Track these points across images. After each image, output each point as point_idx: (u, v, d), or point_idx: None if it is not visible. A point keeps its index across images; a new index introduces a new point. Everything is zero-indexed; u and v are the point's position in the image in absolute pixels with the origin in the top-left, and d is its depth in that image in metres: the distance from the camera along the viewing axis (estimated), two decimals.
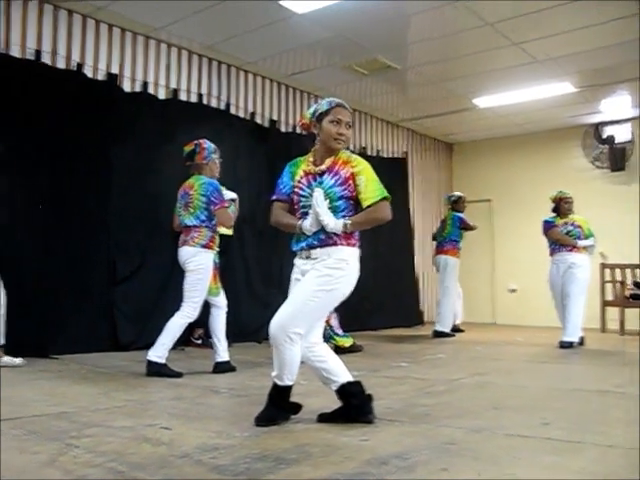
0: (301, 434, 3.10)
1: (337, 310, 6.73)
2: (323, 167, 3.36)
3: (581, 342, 7.58)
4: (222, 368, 5.34)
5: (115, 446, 2.78)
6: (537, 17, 6.96)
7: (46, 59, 6.67)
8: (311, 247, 3.29)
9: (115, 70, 7.30)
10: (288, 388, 3.32)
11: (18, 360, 5.38)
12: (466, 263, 10.03)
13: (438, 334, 8.82)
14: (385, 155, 11.29)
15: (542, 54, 8.08)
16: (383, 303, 10.23)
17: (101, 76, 7.17)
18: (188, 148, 5.39)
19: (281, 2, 6.67)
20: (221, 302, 5.49)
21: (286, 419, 3.33)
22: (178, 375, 4.97)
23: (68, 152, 6.54)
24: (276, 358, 3.26)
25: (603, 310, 9.97)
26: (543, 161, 11.66)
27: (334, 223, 3.18)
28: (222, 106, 8.46)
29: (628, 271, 10.07)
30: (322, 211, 3.17)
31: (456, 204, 9.27)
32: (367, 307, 9.58)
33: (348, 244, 3.29)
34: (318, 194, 3.20)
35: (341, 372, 3.34)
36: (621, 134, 11.03)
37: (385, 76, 9.08)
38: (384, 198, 3.29)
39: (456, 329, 9.37)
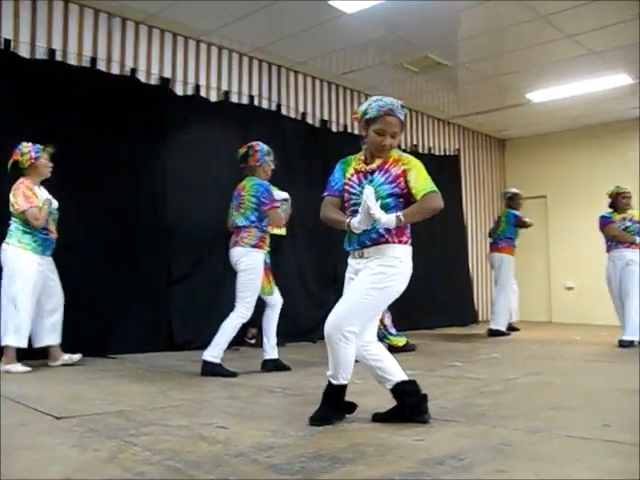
0: (356, 433, 3.10)
1: (390, 309, 6.72)
2: (374, 166, 3.36)
3: None
4: (270, 366, 5.40)
5: (172, 444, 2.82)
6: (591, 8, 6.82)
7: (101, 66, 6.82)
8: (363, 246, 3.29)
9: (168, 74, 7.42)
10: (343, 387, 3.32)
11: (76, 356, 5.52)
12: (521, 261, 9.90)
13: (493, 333, 8.72)
14: (437, 153, 11.21)
15: (597, 46, 7.91)
16: (437, 302, 10.16)
17: (154, 80, 7.30)
18: (242, 150, 5.48)
19: (330, 2, 6.68)
20: (275, 300, 5.55)
21: (341, 418, 3.34)
22: (233, 375, 5.02)
23: (123, 155, 6.67)
24: (331, 357, 3.27)
25: None
26: (599, 155, 11.39)
27: (386, 217, 3.17)
28: (273, 107, 8.52)
29: None
30: (373, 206, 3.15)
31: (511, 201, 9.14)
32: (421, 306, 9.52)
33: (400, 242, 3.28)
34: (369, 191, 3.19)
35: (396, 371, 3.33)
36: None
37: (436, 73, 9.02)
38: (434, 191, 3.27)
39: (511, 328, 9.24)
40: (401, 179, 3.29)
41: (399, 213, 3.19)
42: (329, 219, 3.50)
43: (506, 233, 8.89)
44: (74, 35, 6.67)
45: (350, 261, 3.42)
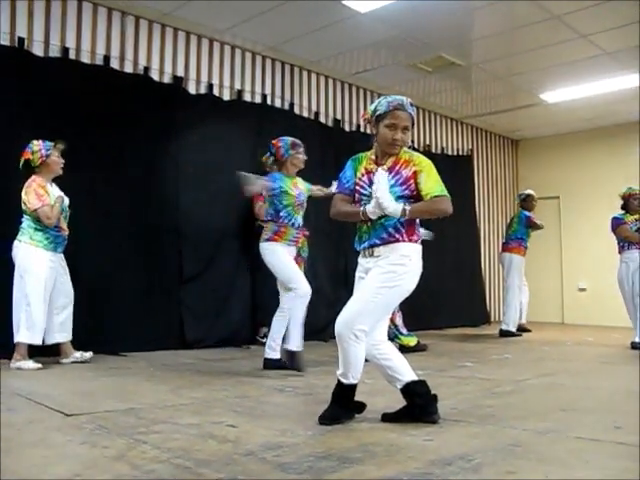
0: (365, 433, 3.10)
1: (401, 309, 6.71)
2: (385, 167, 3.35)
3: None
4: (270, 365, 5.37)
5: (181, 442, 2.83)
6: (605, 8, 6.77)
7: (114, 64, 6.85)
8: (373, 245, 3.29)
9: (181, 73, 7.44)
10: (353, 387, 3.32)
11: (88, 354, 5.55)
12: (534, 261, 9.87)
13: (504, 333, 8.70)
14: (450, 153, 11.18)
15: (611, 46, 7.86)
16: (448, 302, 10.14)
17: (167, 79, 7.32)
18: (265, 158, 5.56)
19: (344, 2, 6.68)
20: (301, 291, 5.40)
21: (350, 418, 3.33)
22: (298, 369, 5.14)
23: (135, 154, 6.69)
24: (341, 356, 3.28)
25: None
26: (612, 156, 11.30)
27: (394, 207, 3.17)
28: (286, 106, 8.52)
29: None
30: (382, 194, 3.15)
31: (525, 202, 9.13)
32: (432, 306, 9.49)
33: (410, 240, 3.28)
34: (381, 176, 3.19)
35: (406, 371, 3.32)
36: None
37: (449, 73, 8.99)
38: (445, 195, 3.26)
39: (522, 329, 9.21)
40: (412, 181, 3.28)
41: (407, 206, 3.20)
42: (343, 213, 3.50)
43: (517, 233, 8.88)
44: (87, 33, 6.70)
45: (360, 260, 3.42)
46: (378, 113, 3.35)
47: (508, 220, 9.75)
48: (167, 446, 2.76)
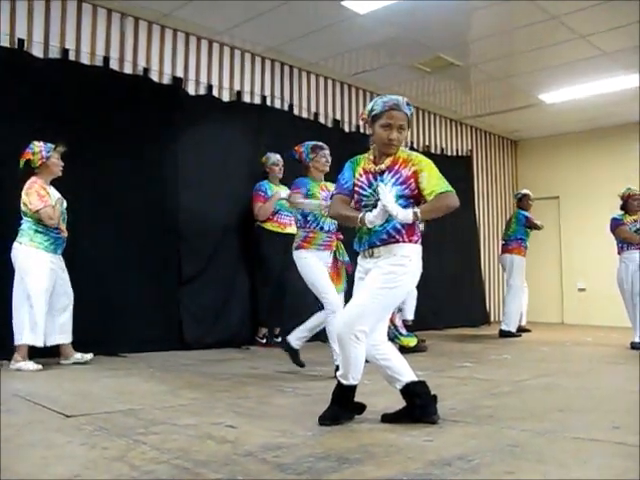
0: (364, 434, 3.10)
1: (401, 310, 6.72)
2: (383, 166, 3.36)
3: None
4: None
5: (181, 443, 2.83)
6: (604, 8, 6.78)
7: (114, 65, 6.85)
8: (373, 246, 3.29)
9: (180, 74, 7.44)
10: (352, 387, 3.33)
11: (88, 356, 5.55)
12: (533, 262, 9.86)
13: (504, 334, 8.70)
14: (449, 153, 11.19)
15: (609, 46, 7.87)
16: (448, 302, 10.14)
17: (167, 80, 7.33)
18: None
19: (343, 2, 6.68)
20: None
21: (350, 418, 3.34)
22: (300, 365, 5.24)
23: (135, 155, 6.69)
24: (341, 357, 3.29)
25: None
26: (612, 157, 11.31)
27: (403, 213, 3.15)
28: (285, 107, 8.53)
29: None
30: (390, 203, 3.15)
31: (521, 202, 9.15)
32: (432, 306, 9.50)
33: (410, 241, 3.28)
34: (385, 187, 3.19)
35: (405, 371, 3.33)
36: None
37: (448, 73, 9.00)
38: (449, 190, 3.27)
39: (522, 329, 9.22)
40: (412, 180, 3.29)
41: (416, 209, 3.20)
42: (341, 216, 3.51)
43: (517, 234, 8.88)
44: (87, 34, 6.70)
45: (360, 261, 3.42)
46: (374, 113, 3.36)
47: (506, 221, 9.74)
48: (166, 447, 2.76)
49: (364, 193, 3.39)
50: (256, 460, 2.57)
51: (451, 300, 10.22)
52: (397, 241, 3.25)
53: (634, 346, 7.18)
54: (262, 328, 7.32)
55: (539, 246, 10.47)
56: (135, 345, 6.33)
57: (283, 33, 7.61)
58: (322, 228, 5.09)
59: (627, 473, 2.44)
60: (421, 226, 7.53)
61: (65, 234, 5.47)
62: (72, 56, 6.54)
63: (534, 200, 9.31)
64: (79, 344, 5.58)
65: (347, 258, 5.10)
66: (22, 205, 5.28)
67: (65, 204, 5.45)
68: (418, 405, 3.28)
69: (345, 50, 8.19)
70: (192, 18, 7.13)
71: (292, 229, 7.34)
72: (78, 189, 5.89)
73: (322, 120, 8.99)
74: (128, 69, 7.00)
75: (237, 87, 8.01)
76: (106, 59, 6.80)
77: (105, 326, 6.19)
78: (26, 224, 5.29)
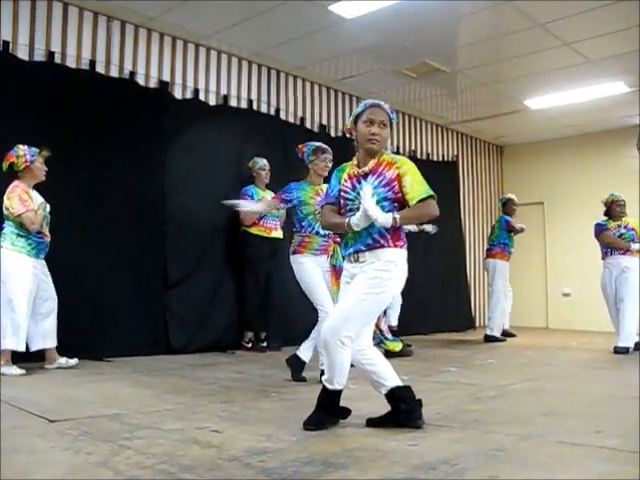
0: (349, 438, 3.11)
1: (386, 314, 6.73)
2: (366, 169, 3.38)
3: (636, 347, 7.39)
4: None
5: (165, 448, 2.82)
6: (588, 16, 6.83)
7: (100, 69, 6.83)
8: (359, 251, 3.30)
9: (166, 78, 7.43)
10: (338, 392, 3.33)
11: (73, 361, 5.52)
12: (518, 267, 9.91)
13: (489, 339, 8.74)
14: (435, 158, 11.22)
15: (594, 54, 7.93)
16: (433, 307, 10.16)
17: (153, 84, 7.31)
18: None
19: (329, 7, 6.70)
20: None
21: (335, 423, 3.34)
22: (301, 380, 5.05)
23: (121, 158, 6.66)
24: (327, 362, 3.29)
25: None
26: (596, 163, 11.40)
27: (383, 217, 3.17)
28: (272, 111, 8.53)
29: None
30: (370, 206, 3.16)
31: (505, 207, 9.20)
32: (417, 311, 9.51)
33: (395, 245, 3.29)
34: (367, 189, 3.20)
35: (391, 376, 3.34)
36: None
37: (434, 79, 9.03)
38: (431, 196, 3.29)
39: (507, 334, 9.26)
40: (395, 183, 3.30)
41: (396, 214, 3.22)
42: (331, 224, 3.53)
43: (500, 239, 8.94)
44: (73, 37, 6.67)
45: (346, 265, 3.43)
46: (355, 114, 3.43)
47: (491, 226, 9.79)
48: (151, 451, 2.75)
49: (349, 197, 3.40)
50: (241, 465, 2.57)
51: (437, 305, 10.25)
52: (382, 246, 3.26)
53: (617, 350, 7.23)
54: (248, 332, 7.31)
55: (524, 251, 10.52)
56: (120, 349, 6.29)
57: (270, 37, 7.61)
58: (318, 232, 5.04)
59: (609, 476, 2.47)
60: (432, 228, 7.58)
61: (48, 238, 5.44)
62: (58, 59, 6.50)
63: (519, 205, 9.36)
64: (64, 348, 5.54)
65: (342, 262, 5.07)
66: (4, 209, 5.23)
67: (48, 208, 5.41)
68: (403, 410, 3.29)
69: (332, 55, 8.20)
70: (179, 22, 7.12)
71: (278, 233, 7.37)
72: (63, 192, 5.86)
73: (308, 125, 9.00)
74: (114, 72, 6.97)
75: (224, 91, 8.00)
76: (92, 62, 6.76)
77: (90, 330, 6.16)
78: (8, 228, 5.25)
